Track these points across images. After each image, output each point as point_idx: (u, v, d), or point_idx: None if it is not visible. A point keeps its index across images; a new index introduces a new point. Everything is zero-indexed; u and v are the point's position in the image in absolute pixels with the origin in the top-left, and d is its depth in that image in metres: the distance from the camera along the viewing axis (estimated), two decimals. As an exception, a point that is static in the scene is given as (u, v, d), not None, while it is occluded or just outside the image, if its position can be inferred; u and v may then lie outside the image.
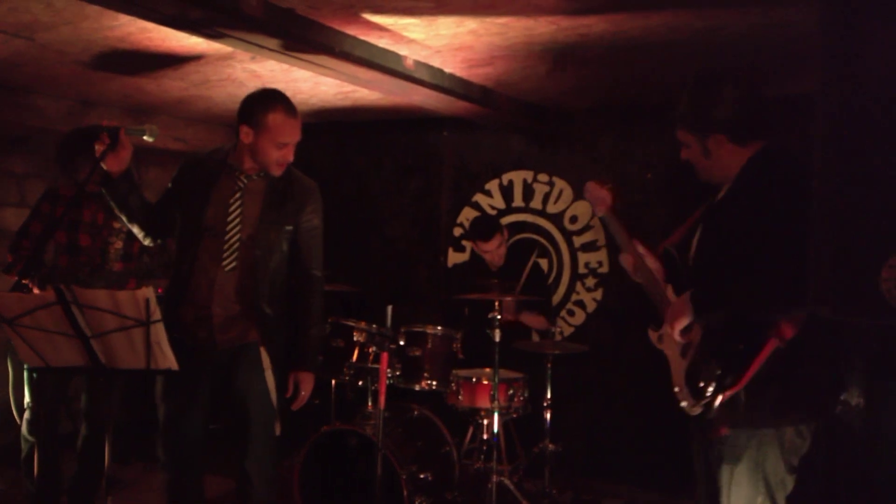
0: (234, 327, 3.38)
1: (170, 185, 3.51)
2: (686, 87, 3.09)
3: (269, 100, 3.29)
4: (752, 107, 2.87)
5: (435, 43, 3.89)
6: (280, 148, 3.29)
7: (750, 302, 2.67)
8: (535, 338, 5.34)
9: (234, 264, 3.34)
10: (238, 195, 3.36)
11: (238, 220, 3.35)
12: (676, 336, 2.79)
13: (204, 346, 3.36)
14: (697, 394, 2.73)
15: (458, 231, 6.18)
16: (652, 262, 3.09)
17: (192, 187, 3.39)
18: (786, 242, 2.57)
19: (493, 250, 5.14)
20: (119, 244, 4.20)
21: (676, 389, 2.84)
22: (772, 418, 2.69)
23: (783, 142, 2.89)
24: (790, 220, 2.58)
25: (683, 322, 2.76)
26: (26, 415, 4.26)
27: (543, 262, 5.75)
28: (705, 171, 2.95)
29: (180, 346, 3.03)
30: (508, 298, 4.51)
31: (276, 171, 3.36)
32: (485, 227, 5.18)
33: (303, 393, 3.45)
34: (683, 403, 2.80)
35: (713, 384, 2.68)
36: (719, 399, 2.67)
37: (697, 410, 2.74)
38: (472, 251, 6.01)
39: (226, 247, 3.34)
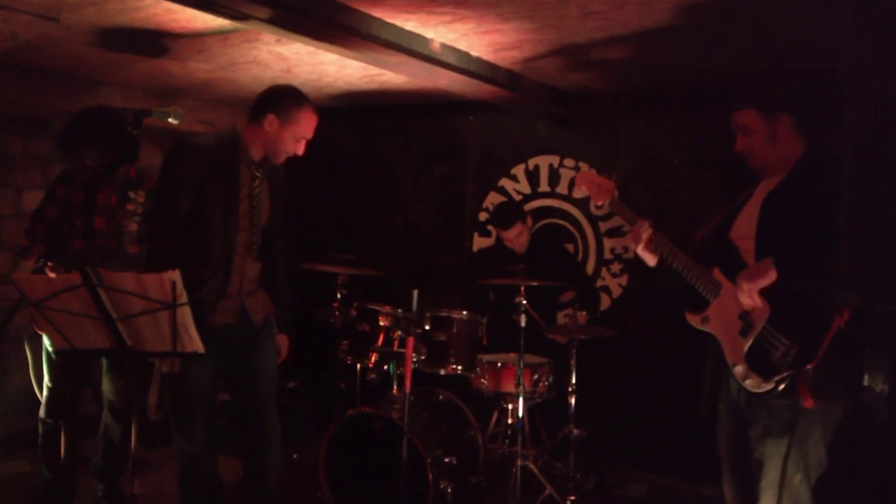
0: (260, 307, 3.54)
1: (182, 179, 3.29)
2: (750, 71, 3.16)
3: (300, 96, 3.42)
4: (813, 96, 3.05)
5: (462, 26, 3.85)
6: (297, 142, 3.43)
7: (828, 280, 2.70)
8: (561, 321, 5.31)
9: (258, 252, 3.51)
10: (258, 188, 3.45)
11: (260, 210, 3.47)
12: (754, 295, 2.84)
13: (242, 329, 3.47)
14: (768, 371, 2.82)
15: (483, 216, 6.14)
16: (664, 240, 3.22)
17: (219, 182, 3.33)
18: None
19: (514, 238, 5.13)
20: (134, 226, 4.15)
21: (739, 368, 2.92)
22: (826, 396, 2.75)
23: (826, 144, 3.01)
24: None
25: (766, 282, 2.81)
26: (44, 397, 4.27)
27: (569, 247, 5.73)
28: (765, 158, 3.02)
29: (223, 333, 3.35)
30: (534, 284, 4.47)
31: (280, 160, 3.49)
32: (505, 215, 5.18)
33: (285, 354, 3.75)
34: (748, 381, 2.89)
35: (789, 361, 2.76)
36: (794, 376, 2.75)
37: (767, 387, 2.83)
38: (498, 236, 5.99)
39: (254, 238, 3.46)
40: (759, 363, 2.86)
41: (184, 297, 2.78)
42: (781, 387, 2.80)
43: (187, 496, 3.55)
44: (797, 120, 2.97)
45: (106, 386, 4.28)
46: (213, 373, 3.43)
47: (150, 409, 3.53)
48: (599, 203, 3.48)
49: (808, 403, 2.75)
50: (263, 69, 4.93)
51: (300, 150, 3.46)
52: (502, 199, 6.01)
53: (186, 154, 3.31)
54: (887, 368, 2.77)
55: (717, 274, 3.06)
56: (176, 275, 2.74)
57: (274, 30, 3.51)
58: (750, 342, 2.89)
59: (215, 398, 3.54)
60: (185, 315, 2.82)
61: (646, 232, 3.29)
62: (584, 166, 5.68)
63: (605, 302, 5.64)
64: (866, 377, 3.07)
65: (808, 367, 2.70)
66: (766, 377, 2.82)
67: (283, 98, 3.39)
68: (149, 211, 4.17)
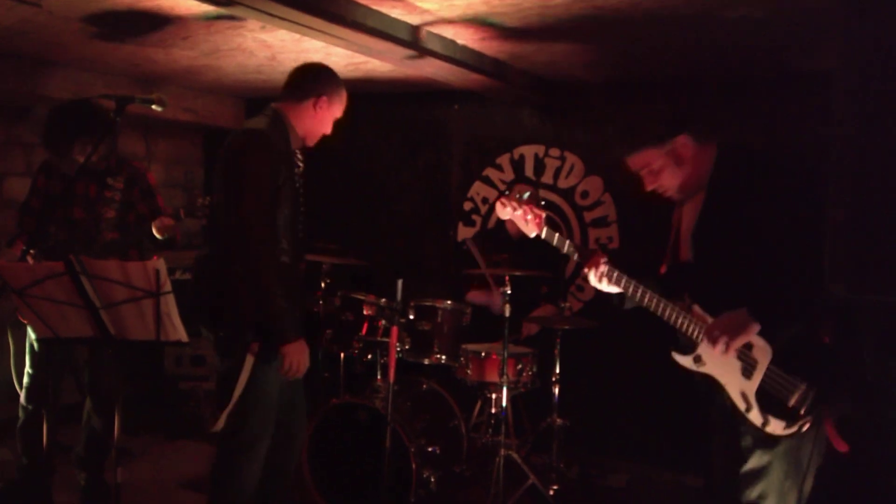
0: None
1: (270, 177, 3.11)
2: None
3: (338, 77, 3.40)
4: (690, 103, 2.94)
5: (448, 14, 3.83)
6: (332, 121, 3.42)
7: (813, 302, 2.60)
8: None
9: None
10: (301, 178, 3.37)
11: (303, 195, 3.40)
12: (731, 352, 2.71)
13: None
14: (790, 416, 2.67)
15: (468, 205, 6.14)
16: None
17: (289, 176, 3.20)
18: (798, 231, 2.58)
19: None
20: (112, 213, 4.14)
21: (754, 414, 2.74)
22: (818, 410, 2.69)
23: (733, 139, 2.92)
24: (798, 216, 2.60)
25: (747, 338, 2.69)
26: (25, 383, 4.26)
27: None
28: (680, 187, 2.89)
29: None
30: (518, 273, 4.47)
31: (314, 143, 3.42)
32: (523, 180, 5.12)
33: None
34: (769, 427, 2.71)
35: (809, 402, 2.64)
36: (818, 414, 2.64)
37: (791, 430, 2.68)
38: (483, 225, 5.98)
39: (301, 230, 3.36)
40: (775, 406, 2.70)
41: (167, 286, 2.76)
42: (805, 428, 2.68)
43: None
44: (693, 133, 2.84)
45: (89, 375, 4.26)
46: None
47: (215, 422, 3.30)
48: (532, 235, 3.13)
49: (843, 447, 2.66)
50: (248, 56, 4.90)
51: (329, 130, 3.43)
52: (487, 188, 6.01)
53: (269, 151, 3.12)
54: (873, 360, 2.78)
55: (697, 312, 2.86)
56: (160, 263, 2.72)
57: (258, 16, 3.47)
58: (758, 383, 2.72)
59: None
60: (169, 303, 2.80)
61: (601, 268, 3.03)
62: (569, 156, 5.68)
63: (589, 292, 5.66)
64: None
65: (834, 403, 2.63)
66: (790, 421, 2.67)
67: (331, 78, 3.36)
68: (128, 200, 4.17)
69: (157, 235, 4.10)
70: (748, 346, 2.74)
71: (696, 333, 2.84)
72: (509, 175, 5.93)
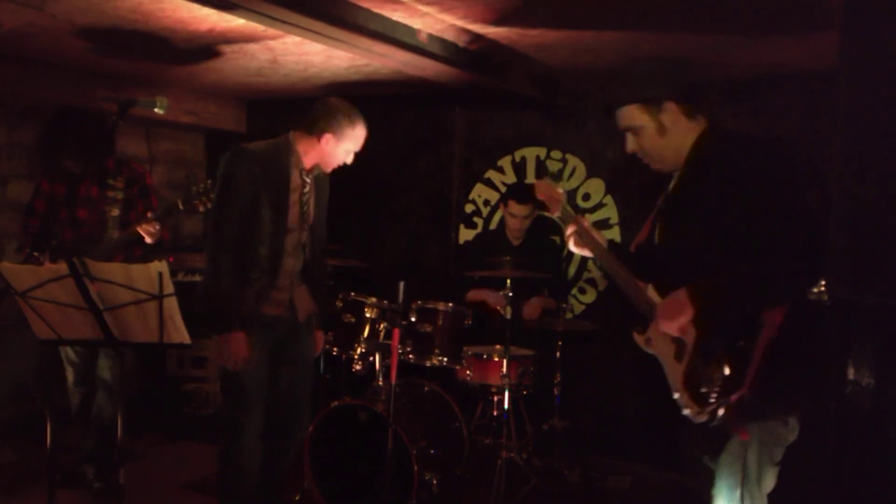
0: (304, 302, 3.72)
1: (241, 184, 3.42)
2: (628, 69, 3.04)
3: (354, 114, 3.63)
4: (689, 77, 2.85)
5: (449, 17, 3.84)
6: (347, 154, 3.66)
7: (758, 291, 2.47)
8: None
9: (305, 255, 3.70)
10: (307, 193, 3.63)
11: (308, 213, 3.66)
12: (674, 332, 2.62)
13: (290, 322, 3.65)
14: (701, 399, 2.55)
15: (469, 207, 6.14)
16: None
17: (273, 187, 3.50)
18: (781, 225, 2.45)
19: (522, 218, 5.11)
20: (116, 211, 4.28)
21: (677, 396, 2.66)
22: (761, 413, 2.54)
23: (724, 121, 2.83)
24: (780, 204, 2.47)
25: (685, 318, 2.57)
26: (68, 370, 4.39)
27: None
28: (659, 155, 2.80)
29: (275, 323, 3.55)
30: (520, 274, 4.48)
31: (330, 170, 3.72)
32: (525, 189, 5.13)
33: (319, 348, 3.99)
34: (687, 411, 2.61)
35: (717, 388, 2.50)
36: (724, 404, 2.50)
37: (703, 418, 2.56)
38: (484, 227, 5.99)
39: (303, 238, 3.66)
40: (696, 390, 2.58)
41: (170, 288, 2.76)
42: (718, 416, 2.53)
43: (226, 492, 3.61)
44: (683, 105, 2.72)
45: (102, 363, 4.31)
46: (266, 361, 3.56)
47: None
48: (555, 215, 3.24)
49: (744, 436, 2.54)
50: (249, 59, 4.90)
51: (350, 160, 3.68)
52: (489, 190, 6.01)
53: (245, 161, 3.45)
54: (873, 362, 2.76)
55: (651, 292, 2.79)
56: (163, 265, 2.73)
57: (260, 19, 3.48)
58: (684, 367, 2.63)
59: (266, 389, 3.61)
60: (172, 306, 2.81)
61: (576, 228, 3.06)
62: (571, 158, 5.69)
63: (591, 295, 5.66)
64: (852, 371, 3.09)
65: (737, 394, 2.46)
66: (702, 406, 2.55)
67: (340, 119, 3.58)
68: (129, 198, 4.25)
69: (148, 239, 4.16)
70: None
71: (649, 314, 2.79)
72: (511, 177, 5.94)
